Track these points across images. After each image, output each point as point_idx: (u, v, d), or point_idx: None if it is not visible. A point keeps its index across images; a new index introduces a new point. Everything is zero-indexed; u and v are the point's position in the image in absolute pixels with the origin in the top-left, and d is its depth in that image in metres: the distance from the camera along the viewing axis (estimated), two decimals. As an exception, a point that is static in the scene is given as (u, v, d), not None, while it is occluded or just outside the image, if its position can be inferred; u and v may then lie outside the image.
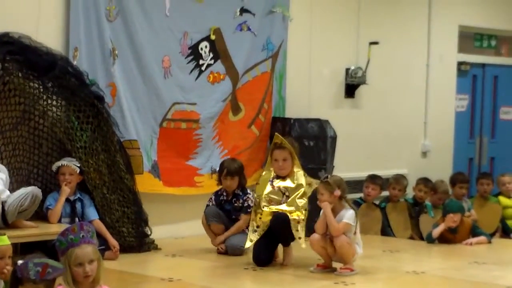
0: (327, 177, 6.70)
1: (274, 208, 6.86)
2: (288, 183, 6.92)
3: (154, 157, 7.86)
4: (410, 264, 7.25)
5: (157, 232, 7.59)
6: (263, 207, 6.88)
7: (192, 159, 8.20)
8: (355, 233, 6.59)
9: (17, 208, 6.38)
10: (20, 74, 6.82)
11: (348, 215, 6.54)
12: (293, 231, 6.75)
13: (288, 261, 6.96)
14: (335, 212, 6.57)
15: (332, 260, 6.69)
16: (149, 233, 7.50)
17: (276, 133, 7.31)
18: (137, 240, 7.34)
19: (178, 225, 8.12)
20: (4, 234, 4.68)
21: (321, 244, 6.61)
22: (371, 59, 9.61)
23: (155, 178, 7.86)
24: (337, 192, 6.55)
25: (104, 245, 6.78)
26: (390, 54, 9.98)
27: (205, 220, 7.43)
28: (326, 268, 6.68)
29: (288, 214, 6.79)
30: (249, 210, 7.26)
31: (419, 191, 9.15)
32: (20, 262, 4.08)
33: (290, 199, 6.85)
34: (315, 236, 6.63)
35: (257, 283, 6.59)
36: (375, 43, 9.62)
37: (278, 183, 6.94)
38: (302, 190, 6.88)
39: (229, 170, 7.41)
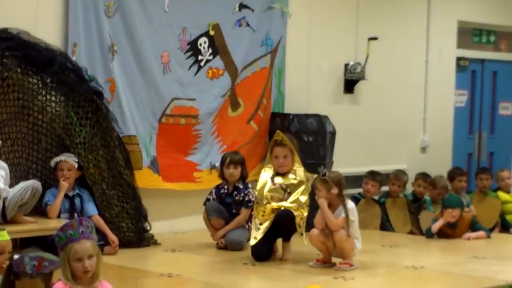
0: (325, 174, 6.70)
1: (276, 205, 6.87)
2: (289, 180, 6.92)
3: (153, 153, 7.86)
4: (409, 259, 7.24)
5: (156, 227, 7.59)
6: (265, 204, 6.88)
7: (191, 154, 8.20)
8: (348, 235, 6.58)
9: (18, 201, 6.38)
10: (19, 70, 6.82)
11: (347, 210, 6.55)
12: (297, 227, 6.76)
13: (288, 256, 6.96)
14: (333, 207, 6.57)
15: (331, 255, 6.68)
16: (148, 228, 7.50)
17: (277, 130, 7.28)
18: (136, 235, 7.34)
19: (177, 220, 8.12)
20: (4, 229, 4.68)
21: (320, 239, 6.61)
22: (370, 55, 9.60)
23: (154, 173, 7.87)
24: (335, 190, 6.54)
25: (103, 240, 6.79)
26: (389, 50, 9.96)
27: (206, 214, 7.43)
28: (326, 263, 6.68)
29: (293, 210, 6.80)
30: (249, 204, 7.26)
31: (418, 186, 9.14)
32: (16, 256, 4.08)
33: (292, 196, 6.85)
34: (314, 231, 6.63)
35: (257, 278, 6.59)
36: (374, 38, 9.61)
37: (279, 180, 6.94)
38: (303, 187, 6.88)
39: (232, 159, 7.42)
